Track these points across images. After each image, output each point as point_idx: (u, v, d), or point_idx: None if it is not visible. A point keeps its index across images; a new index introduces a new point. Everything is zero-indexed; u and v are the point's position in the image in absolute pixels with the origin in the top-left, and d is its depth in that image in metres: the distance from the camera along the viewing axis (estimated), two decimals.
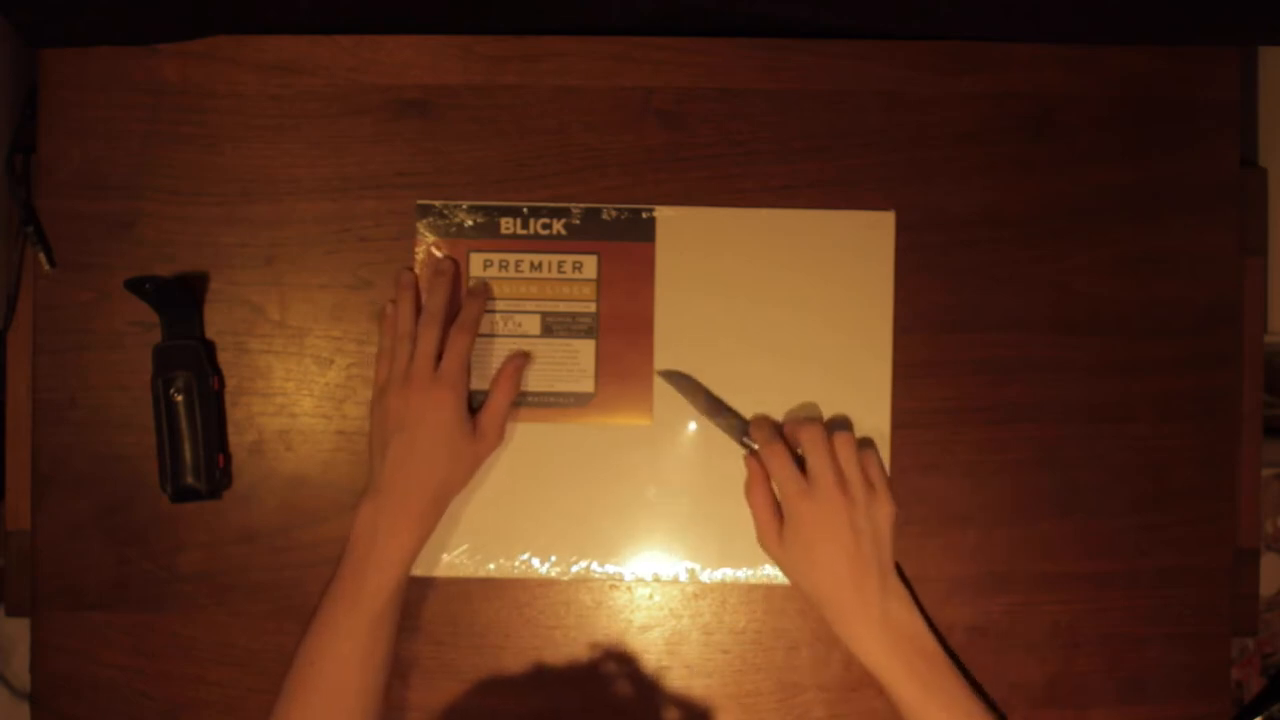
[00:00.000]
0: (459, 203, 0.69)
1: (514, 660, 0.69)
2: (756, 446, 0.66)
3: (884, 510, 0.64)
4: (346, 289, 0.69)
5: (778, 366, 0.69)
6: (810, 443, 0.63)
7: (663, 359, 0.69)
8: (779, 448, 0.64)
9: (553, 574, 0.68)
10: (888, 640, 0.62)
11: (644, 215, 0.69)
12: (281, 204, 0.69)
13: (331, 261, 0.69)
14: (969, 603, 0.69)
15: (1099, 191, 0.70)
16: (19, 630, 0.90)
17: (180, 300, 0.67)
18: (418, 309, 0.67)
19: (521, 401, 0.69)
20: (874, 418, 0.69)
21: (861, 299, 0.69)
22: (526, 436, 0.69)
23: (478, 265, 0.69)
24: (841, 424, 0.68)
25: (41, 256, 0.68)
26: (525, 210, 0.69)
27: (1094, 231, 0.70)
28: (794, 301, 0.69)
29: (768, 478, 0.65)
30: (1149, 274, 0.70)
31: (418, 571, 0.67)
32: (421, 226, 0.69)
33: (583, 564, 0.69)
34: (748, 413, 0.69)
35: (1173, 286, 0.70)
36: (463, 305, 0.67)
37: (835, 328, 0.69)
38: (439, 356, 0.65)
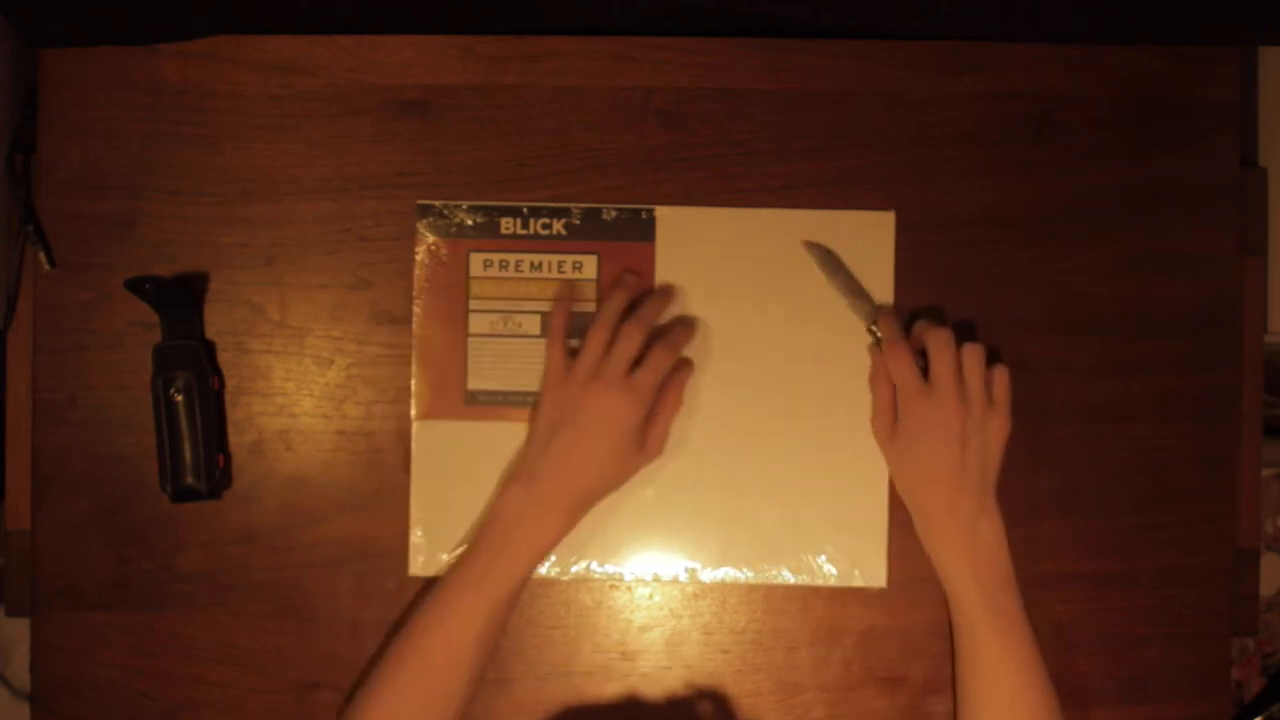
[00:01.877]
0: (459, 203, 0.69)
1: (514, 660, 0.69)
2: (881, 336, 0.66)
3: (998, 425, 0.63)
4: (346, 289, 0.69)
5: (778, 366, 0.69)
6: (936, 347, 0.63)
7: None
8: (903, 346, 0.64)
9: (553, 574, 0.68)
10: (969, 559, 0.62)
11: (644, 215, 0.69)
12: (281, 204, 0.69)
13: (331, 261, 0.69)
14: None
15: (1099, 191, 0.70)
16: (19, 630, 0.90)
17: (180, 300, 0.67)
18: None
19: (520, 402, 0.69)
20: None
21: None
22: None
23: (478, 265, 0.69)
24: (975, 336, 0.68)
25: (41, 256, 0.68)
26: (525, 210, 0.69)
27: (1094, 231, 0.70)
28: (794, 301, 0.69)
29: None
30: (1149, 274, 0.70)
31: (416, 571, 0.67)
32: (421, 226, 0.69)
33: (583, 564, 0.68)
34: (757, 415, 0.69)
35: (1173, 286, 0.70)
36: (675, 327, 0.67)
37: (836, 328, 0.69)
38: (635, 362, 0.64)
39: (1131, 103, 0.70)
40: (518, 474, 0.64)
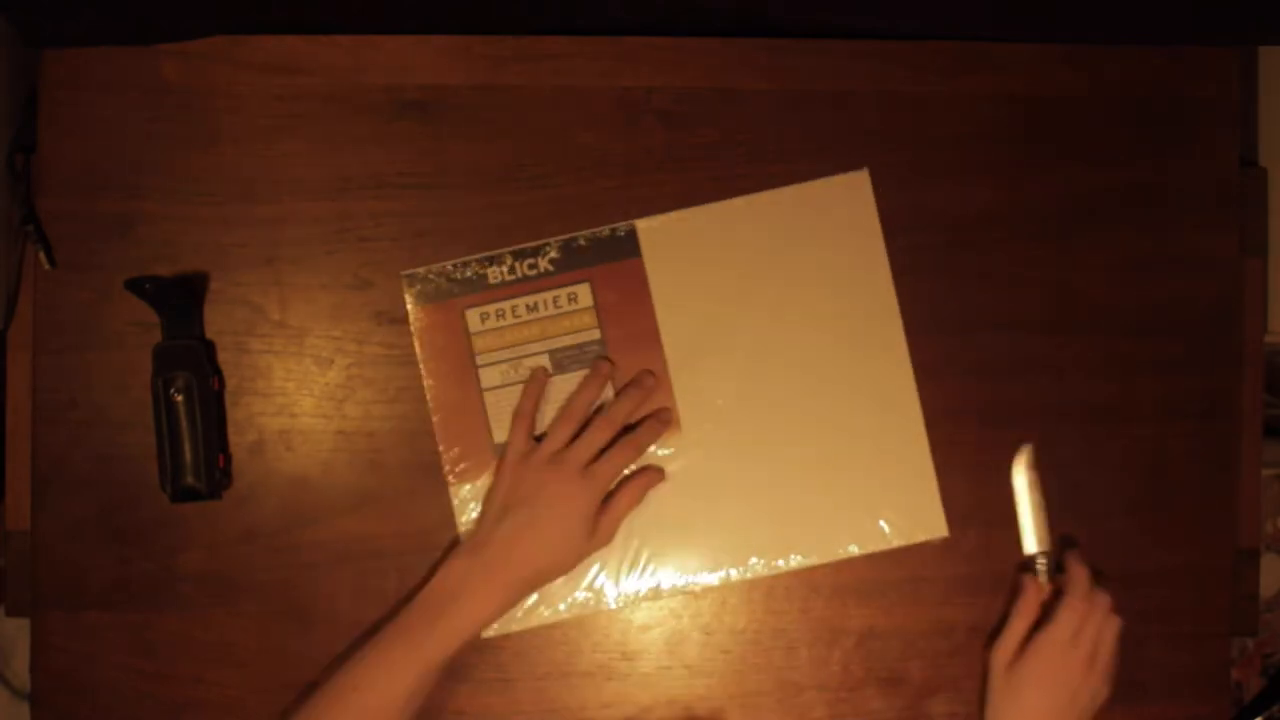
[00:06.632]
0: (442, 264, 0.68)
1: (514, 660, 0.69)
2: (1042, 579, 0.67)
3: (1103, 696, 0.64)
4: (346, 289, 0.69)
5: (789, 342, 0.69)
6: (1096, 616, 0.64)
7: (676, 363, 0.68)
8: (1087, 600, 0.64)
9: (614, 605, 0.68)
10: None
11: (622, 232, 0.69)
12: (281, 204, 0.69)
13: (331, 261, 0.69)
14: (969, 603, 0.69)
15: (1099, 192, 0.70)
16: (19, 630, 0.90)
17: (180, 300, 0.67)
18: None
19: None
20: (891, 350, 0.69)
21: (855, 260, 0.69)
22: None
23: (475, 321, 0.68)
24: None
25: (41, 256, 0.68)
26: (508, 256, 0.68)
27: (1094, 232, 0.70)
28: (793, 281, 0.69)
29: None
30: (1149, 274, 0.70)
31: (490, 632, 0.68)
32: (410, 296, 0.68)
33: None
34: (784, 406, 0.69)
35: (1173, 286, 0.70)
36: (645, 424, 0.68)
37: (836, 293, 0.69)
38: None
39: (1131, 103, 0.70)
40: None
